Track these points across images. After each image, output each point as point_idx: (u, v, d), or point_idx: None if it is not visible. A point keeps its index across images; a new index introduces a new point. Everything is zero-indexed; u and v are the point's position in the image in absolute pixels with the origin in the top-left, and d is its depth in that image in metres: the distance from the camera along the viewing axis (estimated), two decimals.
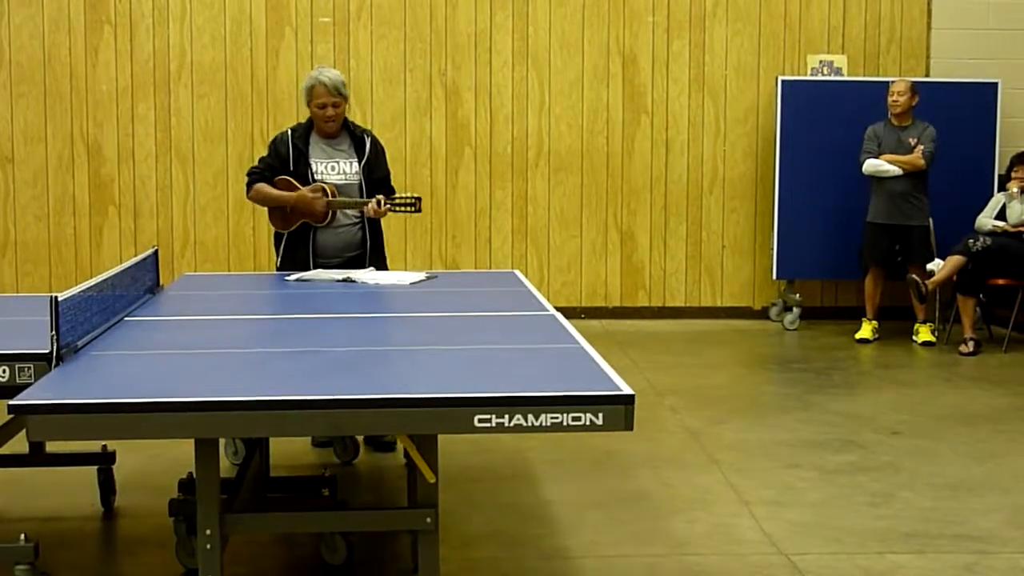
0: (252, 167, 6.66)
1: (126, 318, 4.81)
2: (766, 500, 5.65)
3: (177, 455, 5.64)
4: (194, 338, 4.52)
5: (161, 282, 5.84)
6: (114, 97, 10.32)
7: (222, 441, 5.82)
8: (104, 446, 5.53)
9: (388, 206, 6.34)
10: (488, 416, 3.38)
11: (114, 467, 5.56)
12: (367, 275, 5.96)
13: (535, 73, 10.48)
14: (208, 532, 3.71)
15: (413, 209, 6.34)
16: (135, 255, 5.81)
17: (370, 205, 6.34)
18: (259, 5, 10.30)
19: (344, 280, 5.87)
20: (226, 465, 5.78)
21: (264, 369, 3.97)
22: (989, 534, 5.19)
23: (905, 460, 6.32)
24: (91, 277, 4.86)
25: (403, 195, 6.40)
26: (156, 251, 5.86)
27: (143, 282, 5.45)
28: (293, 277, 6.03)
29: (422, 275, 6.08)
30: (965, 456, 6.45)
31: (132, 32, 10.30)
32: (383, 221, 6.58)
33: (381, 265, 6.51)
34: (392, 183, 6.68)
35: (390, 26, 10.37)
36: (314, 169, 6.44)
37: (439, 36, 10.40)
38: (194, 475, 3.77)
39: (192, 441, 3.66)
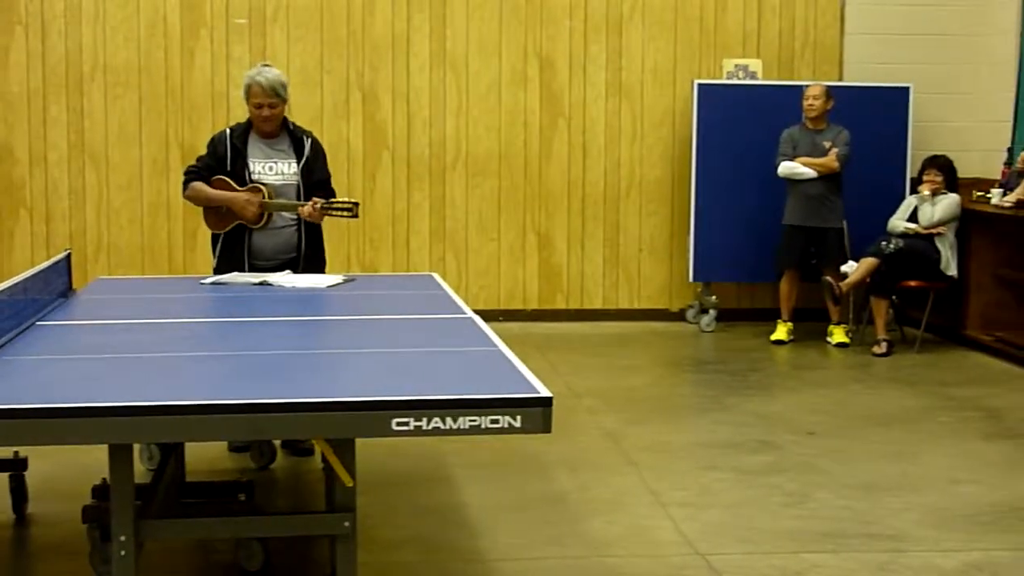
0: (190, 165, 6.63)
1: (38, 322, 4.74)
2: (683, 501, 5.68)
3: (91, 461, 5.56)
4: (108, 342, 4.47)
5: (74, 286, 5.77)
6: (25, 99, 10.17)
7: (137, 446, 5.75)
8: (15, 452, 5.44)
9: (324, 209, 6.27)
10: (406, 419, 3.38)
11: (26, 474, 5.48)
12: (284, 278, 5.93)
13: (453, 76, 10.47)
14: (122, 539, 3.67)
15: (350, 214, 6.26)
16: (47, 259, 5.72)
17: (305, 207, 6.28)
18: (174, 6, 10.20)
19: (260, 283, 5.83)
20: (141, 470, 5.71)
21: (179, 373, 3.94)
22: (902, 533, 5.26)
23: (820, 460, 6.39)
24: (1, 281, 4.78)
25: (341, 199, 6.33)
26: (69, 254, 5.79)
27: (55, 286, 5.38)
28: (208, 280, 5.98)
29: (339, 278, 6.05)
30: (879, 456, 6.53)
31: (44, 33, 10.15)
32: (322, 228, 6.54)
33: (319, 269, 6.45)
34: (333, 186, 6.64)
35: (307, 28, 10.32)
36: (251, 169, 6.39)
37: (356, 39, 10.36)
38: (108, 481, 3.72)
39: (106, 446, 3.61)
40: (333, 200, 6.33)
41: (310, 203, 6.26)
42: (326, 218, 6.35)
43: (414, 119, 10.48)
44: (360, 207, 6.39)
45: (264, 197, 6.34)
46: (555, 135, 10.61)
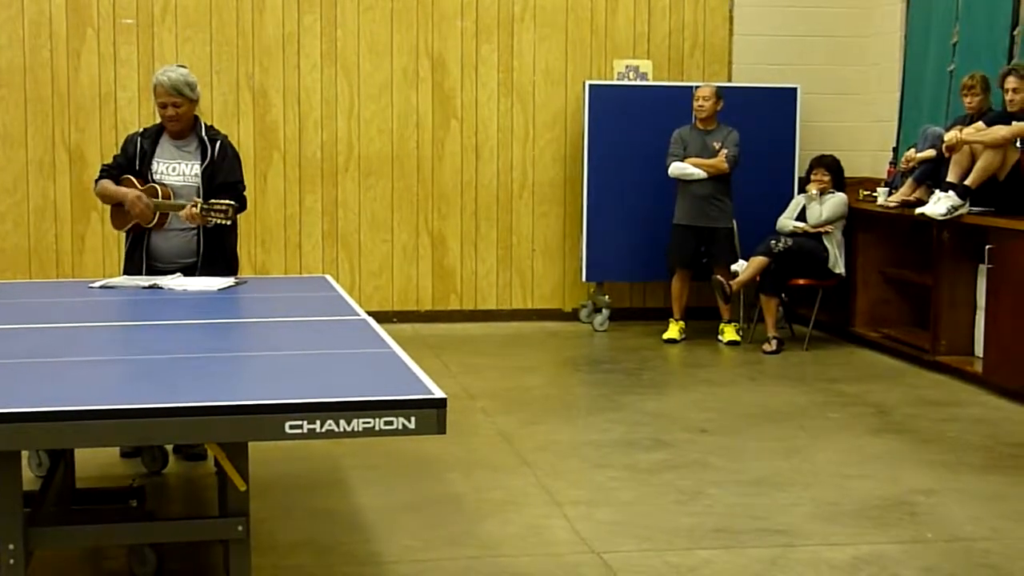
0: (105, 163, 6.62)
1: None
2: (578, 500, 5.71)
3: None
4: None
5: None
6: None
7: (25, 452, 5.66)
8: None
9: (203, 212, 6.17)
10: (299, 422, 3.37)
11: None
12: (174, 281, 5.87)
13: (344, 76, 10.43)
14: (11, 547, 3.61)
15: (224, 217, 6.19)
16: None
17: (186, 209, 6.21)
18: (59, 6, 10.04)
19: (151, 287, 5.77)
20: (29, 477, 5.62)
21: (68, 378, 3.88)
22: (793, 528, 5.34)
23: (713, 457, 6.45)
24: None
25: (218, 201, 6.26)
26: None
27: None
28: (98, 284, 5.90)
29: (230, 280, 6.00)
30: (770, 452, 6.61)
31: None
32: (236, 228, 6.46)
33: (220, 273, 6.30)
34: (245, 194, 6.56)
35: (196, 28, 10.21)
36: (154, 169, 6.34)
37: (246, 39, 10.28)
38: None
39: None
40: (213, 202, 6.22)
41: (190, 204, 6.19)
42: (219, 222, 6.24)
43: (305, 120, 10.42)
44: (237, 210, 6.28)
45: (159, 197, 6.27)
46: (448, 136, 10.61)
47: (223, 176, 6.40)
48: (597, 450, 6.64)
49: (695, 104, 9.81)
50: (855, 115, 10.92)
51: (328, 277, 6.58)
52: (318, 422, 3.37)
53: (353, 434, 3.40)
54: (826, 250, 9.56)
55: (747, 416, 7.43)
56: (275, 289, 6.31)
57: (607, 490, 5.89)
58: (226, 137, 6.55)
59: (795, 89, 10.52)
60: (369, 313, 5.13)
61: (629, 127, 10.30)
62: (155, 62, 10.05)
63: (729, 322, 9.88)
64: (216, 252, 6.41)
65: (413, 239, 10.63)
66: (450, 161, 10.62)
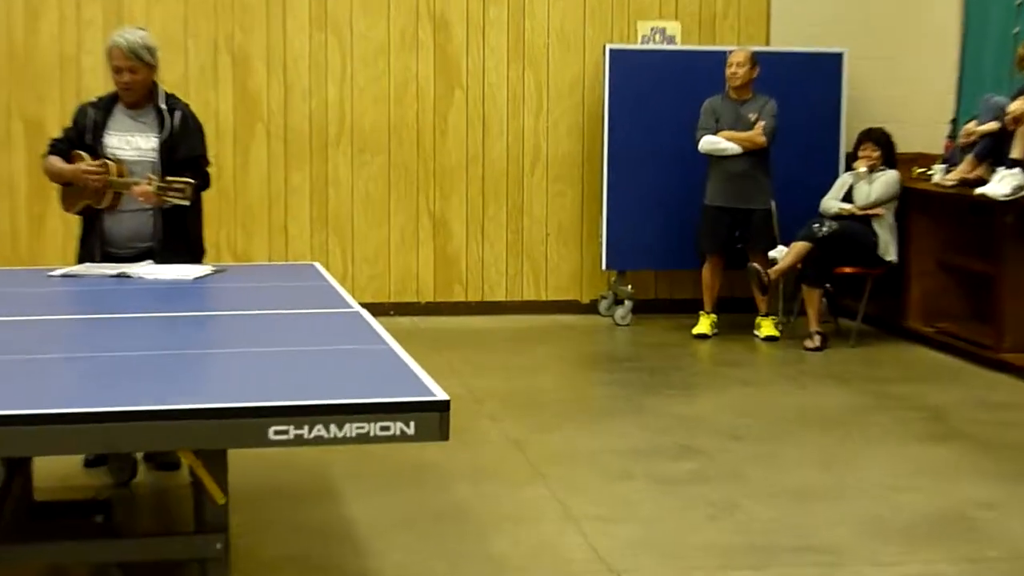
0: (54, 138, 6.58)
1: None
2: (596, 515, 5.71)
3: None
4: None
5: None
6: None
7: None
8: None
9: (160, 190, 6.09)
10: (285, 428, 3.37)
11: None
12: (145, 269, 5.87)
13: (335, 40, 10.43)
14: None
15: (182, 196, 6.13)
16: None
17: (140, 186, 6.18)
18: None
19: (118, 275, 5.77)
20: None
21: (24, 379, 3.89)
22: (836, 546, 5.33)
23: (747, 467, 6.46)
24: None
25: (176, 178, 6.16)
26: None
27: None
28: (58, 273, 5.90)
29: (208, 269, 6.01)
30: (811, 461, 6.61)
31: None
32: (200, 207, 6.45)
33: (181, 260, 6.26)
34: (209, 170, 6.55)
35: None
36: (106, 143, 6.31)
37: None
38: None
39: None
40: (170, 179, 6.13)
41: (144, 181, 6.15)
42: (177, 202, 6.18)
43: (292, 88, 10.42)
44: (198, 188, 6.24)
45: (112, 174, 6.23)
46: (451, 106, 10.60)
47: (184, 150, 6.37)
48: (618, 459, 6.64)
49: (728, 71, 9.79)
50: (908, 83, 10.88)
51: (317, 265, 6.58)
52: (306, 427, 3.38)
53: (345, 441, 3.41)
54: (875, 235, 9.55)
55: (786, 421, 7.43)
56: (257, 278, 6.31)
57: (629, 504, 5.90)
58: (187, 106, 6.53)
59: (841, 54, 10.50)
60: (363, 305, 5.13)
61: (654, 96, 10.29)
62: (123, 23, 10.05)
63: (767, 315, 9.88)
64: (176, 235, 6.38)
65: (412, 222, 10.63)
66: (454, 134, 10.62)
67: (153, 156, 6.32)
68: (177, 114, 6.40)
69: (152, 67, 6.37)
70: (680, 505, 5.86)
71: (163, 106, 6.40)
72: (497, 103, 10.67)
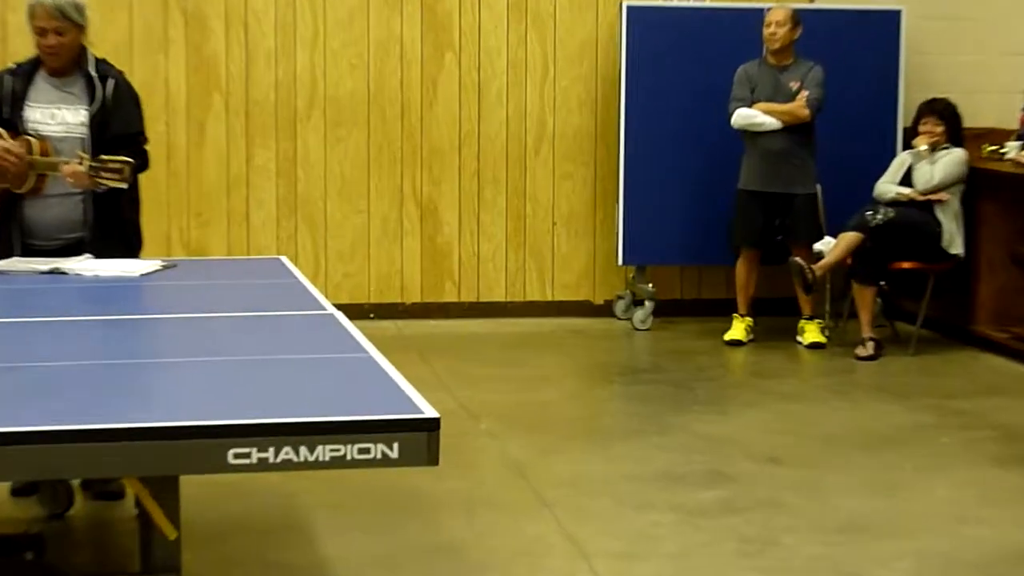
0: None
1: None
2: (612, 551, 5.72)
3: None
4: None
5: None
6: None
7: None
8: None
9: (92, 170, 6.04)
10: (246, 450, 3.38)
11: None
12: (82, 265, 5.88)
13: None
14: None
15: (119, 178, 6.11)
16: None
17: (69, 166, 6.15)
18: None
19: (51, 271, 5.78)
20: None
21: None
22: None
23: (787, 495, 6.46)
24: None
25: (110, 157, 6.09)
26: None
27: None
28: None
29: (156, 264, 6.01)
30: (862, 489, 6.61)
31: None
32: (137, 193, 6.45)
33: (125, 254, 6.32)
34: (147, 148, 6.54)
35: None
36: (27, 117, 6.29)
37: None
38: None
39: None
40: (104, 158, 6.07)
41: (74, 161, 6.13)
42: (113, 185, 6.16)
43: (255, 52, 10.42)
44: (137, 169, 6.21)
45: (36, 153, 6.21)
46: (441, 73, 10.61)
47: (118, 125, 6.36)
48: (636, 486, 6.65)
49: (766, 32, 9.80)
50: (977, 46, 10.88)
51: (284, 259, 6.59)
52: (271, 449, 3.38)
53: (318, 465, 3.41)
54: (939, 224, 9.55)
55: (833, 442, 7.44)
56: (215, 275, 6.32)
57: (649, 538, 5.90)
58: (121, 74, 6.51)
59: (898, 12, 10.51)
60: (338, 307, 5.14)
61: (679, 62, 10.29)
62: None
63: (811, 318, 9.88)
64: (110, 224, 6.35)
65: (396, 209, 10.63)
66: (445, 106, 10.63)
67: (82, 131, 6.31)
68: (110, 83, 6.37)
69: (81, 28, 6.35)
70: (708, 540, 5.86)
71: (93, 73, 6.38)
72: (496, 69, 10.67)
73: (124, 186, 6.12)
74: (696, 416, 7.97)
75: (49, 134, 6.27)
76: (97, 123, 6.30)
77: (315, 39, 10.48)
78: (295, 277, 5.93)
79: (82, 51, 6.41)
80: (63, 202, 6.32)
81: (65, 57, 6.33)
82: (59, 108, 6.33)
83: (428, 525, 6.04)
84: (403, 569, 5.52)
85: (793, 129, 9.69)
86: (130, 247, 6.45)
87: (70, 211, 6.33)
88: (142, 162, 6.40)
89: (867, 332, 9.56)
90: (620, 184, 10.39)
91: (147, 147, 6.53)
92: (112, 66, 6.51)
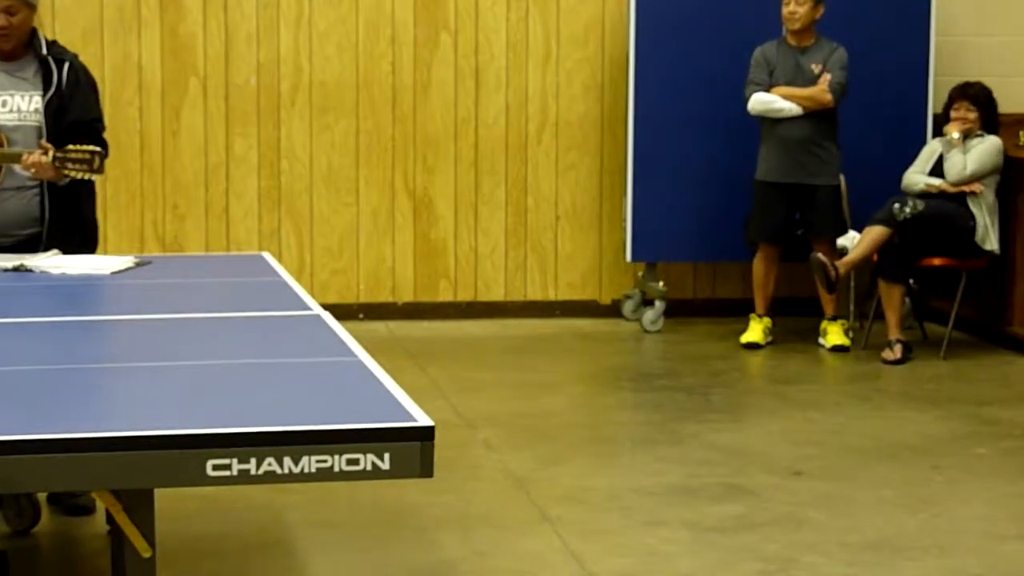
0: None
1: None
2: (619, 571, 5.72)
3: None
4: None
5: None
6: None
7: None
8: None
9: (58, 161, 6.07)
10: (227, 461, 3.37)
11: None
12: (48, 261, 5.87)
13: None
14: None
15: (87, 169, 6.11)
16: None
17: (33, 156, 6.14)
18: None
19: (15, 269, 5.78)
20: None
21: None
22: None
23: (811, 511, 6.46)
24: None
25: (78, 147, 6.12)
26: None
27: None
28: None
29: (129, 260, 6.01)
30: (891, 504, 6.61)
31: None
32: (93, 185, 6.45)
33: (82, 249, 6.31)
34: (105, 136, 6.53)
35: None
36: None
37: None
38: None
39: None
40: (71, 148, 6.11)
41: (38, 151, 6.13)
42: (83, 177, 6.18)
43: (235, 33, 10.42)
44: (104, 159, 6.21)
45: None
46: (436, 56, 10.60)
47: (76, 111, 6.36)
48: (646, 500, 6.65)
49: (785, 10, 9.79)
50: (1013, 26, 10.88)
51: (267, 255, 6.59)
52: (253, 461, 3.38)
53: (303, 477, 3.41)
54: (972, 217, 9.55)
55: (859, 453, 7.44)
56: (192, 273, 6.31)
57: (660, 557, 5.90)
58: (76, 57, 6.50)
59: None
60: (325, 307, 5.14)
61: (692, 43, 10.29)
62: None
63: (834, 319, 9.88)
64: (68, 219, 6.36)
65: (387, 202, 10.63)
66: (439, 91, 10.62)
67: (36, 119, 6.31)
68: (65, 67, 6.37)
69: (33, 7, 6.34)
70: (724, 559, 5.87)
71: (48, 57, 6.37)
72: (494, 51, 10.67)
73: (94, 176, 6.13)
74: (711, 425, 7.97)
75: (1, 123, 6.27)
76: (53, 110, 6.30)
77: (300, 19, 10.47)
78: (278, 275, 5.93)
79: (33, 33, 6.41)
80: (19, 196, 6.32)
81: (16, 39, 6.32)
82: (11, 95, 6.33)
83: (421, 543, 6.04)
84: None
85: (815, 115, 9.68)
86: (88, 243, 6.44)
87: (26, 206, 6.33)
88: (104, 152, 6.39)
89: (895, 334, 9.56)
90: (628, 175, 10.39)
91: (105, 136, 6.51)
92: (65, 49, 6.51)
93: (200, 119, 10.45)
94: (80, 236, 6.41)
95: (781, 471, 7.08)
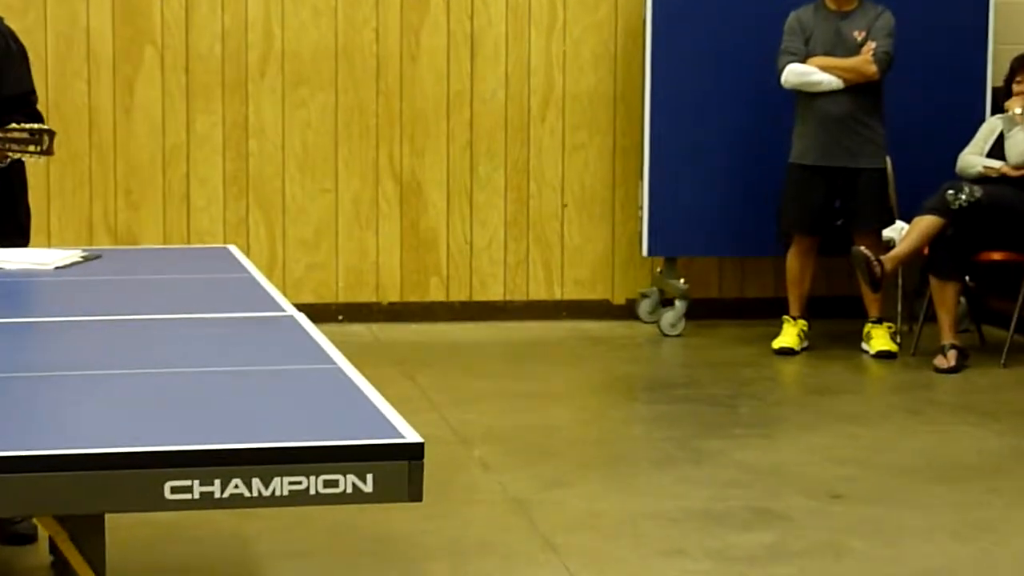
0: None
1: None
2: None
3: None
4: None
5: None
6: None
7: None
8: None
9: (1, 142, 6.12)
10: (187, 483, 3.38)
11: None
12: None
13: None
14: None
15: (38, 150, 6.12)
16: None
17: None
18: None
19: None
20: None
21: None
22: None
23: (850, 538, 6.47)
24: None
25: (22, 125, 6.13)
26: None
27: None
28: None
29: (75, 254, 6.02)
30: (943, 530, 6.62)
31: None
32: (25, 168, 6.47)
33: (14, 241, 6.36)
34: (39, 108, 6.55)
35: None
36: None
37: None
38: None
39: None
40: (14, 127, 6.10)
41: None
42: (30, 160, 6.20)
43: None
44: (56, 137, 6.22)
45: None
46: (425, 21, 10.62)
47: (6, 84, 6.39)
48: (665, 527, 6.66)
49: None
50: None
51: (233, 248, 6.59)
52: (218, 482, 3.38)
53: (274, 501, 3.41)
54: None
55: (907, 473, 7.45)
56: (149, 268, 6.32)
57: None
58: (2, 20, 6.54)
59: None
60: (300, 307, 5.15)
61: (718, 7, 10.30)
62: None
63: (879, 321, 9.90)
64: (4, 208, 6.42)
65: (371, 188, 10.65)
66: (430, 62, 10.64)
67: None
68: None
69: None
70: None
71: None
72: (492, 16, 10.68)
73: (44, 156, 6.14)
74: (738, 441, 7.98)
75: None
76: None
77: None
78: (246, 271, 5.94)
79: None
80: None
81: None
82: None
83: (409, 574, 6.05)
84: None
85: (857, 89, 9.69)
86: (23, 232, 6.45)
87: None
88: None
89: (948, 338, 9.56)
90: (644, 158, 10.41)
91: (39, 109, 6.53)
92: None
93: (157, 93, 10.46)
94: (15, 226, 6.42)
95: (818, 494, 7.09)
